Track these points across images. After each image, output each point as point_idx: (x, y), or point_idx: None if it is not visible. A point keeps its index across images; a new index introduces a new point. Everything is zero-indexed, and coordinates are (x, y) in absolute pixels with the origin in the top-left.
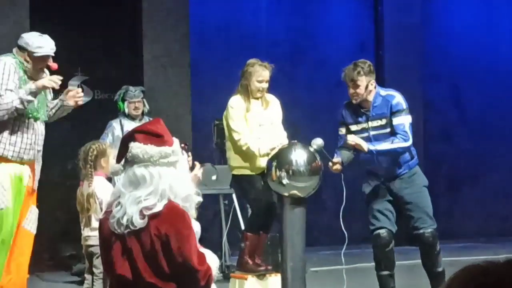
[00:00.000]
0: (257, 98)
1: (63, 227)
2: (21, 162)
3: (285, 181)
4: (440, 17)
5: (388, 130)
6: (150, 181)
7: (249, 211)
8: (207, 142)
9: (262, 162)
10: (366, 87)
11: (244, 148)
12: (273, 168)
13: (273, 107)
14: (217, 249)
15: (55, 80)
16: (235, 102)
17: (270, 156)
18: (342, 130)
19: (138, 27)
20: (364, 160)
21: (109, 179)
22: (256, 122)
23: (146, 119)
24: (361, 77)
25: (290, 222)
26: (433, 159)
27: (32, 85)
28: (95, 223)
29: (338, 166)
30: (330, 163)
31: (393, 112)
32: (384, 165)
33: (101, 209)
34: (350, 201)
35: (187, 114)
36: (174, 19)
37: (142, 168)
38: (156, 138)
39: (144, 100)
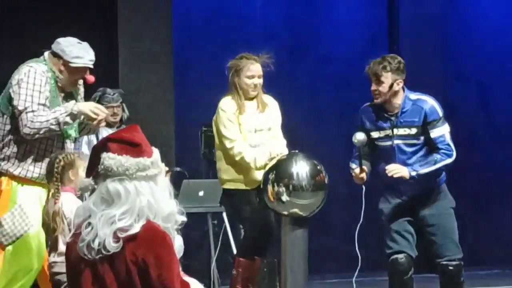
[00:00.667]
0: (252, 99)
1: None
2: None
3: (284, 197)
4: (465, 6)
5: (416, 141)
6: (125, 198)
7: (242, 232)
8: (193, 152)
9: (258, 175)
10: (391, 86)
11: (237, 158)
12: (271, 183)
13: (271, 110)
14: (204, 277)
15: (101, 113)
16: (227, 104)
17: (267, 168)
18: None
19: (112, 19)
20: (384, 177)
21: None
22: (251, 127)
23: (124, 127)
24: (387, 73)
25: (291, 246)
26: (456, 170)
27: (74, 107)
28: (62, 247)
29: (364, 176)
30: (358, 170)
31: (429, 122)
32: (410, 180)
33: (70, 231)
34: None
35: (169, 120)
36: (154, 9)
37: (116, 183)
38: (132, 147)
39: (124, 105)
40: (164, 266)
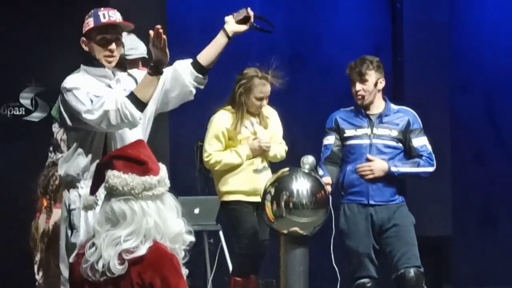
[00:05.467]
0: (252, 114)
1: (10, 270)
2: None
3: (284, 215)
4: (472, 15)
5: (395, 143)
6: (131, 218)
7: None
8: (189, 167)
9: (259, 183)
10: (375, 84)
11: (217, 166)
12: (270, 200)
13: (273, 124)
14: None
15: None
16: (222, 120)
17: (267, 184)
18: (330, 139)
19: None
20: (352, 181)
21: None
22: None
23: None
24: (370, 72)
25: (290, 266)
26: (462, 186)
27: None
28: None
29: (328, 188)
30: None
31: (411, 130)
32: (378, 184)
33: None
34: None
35: (164, 134)
36: (148, 19)
37: (121, 203)
38: (138, 165)
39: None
40: None
